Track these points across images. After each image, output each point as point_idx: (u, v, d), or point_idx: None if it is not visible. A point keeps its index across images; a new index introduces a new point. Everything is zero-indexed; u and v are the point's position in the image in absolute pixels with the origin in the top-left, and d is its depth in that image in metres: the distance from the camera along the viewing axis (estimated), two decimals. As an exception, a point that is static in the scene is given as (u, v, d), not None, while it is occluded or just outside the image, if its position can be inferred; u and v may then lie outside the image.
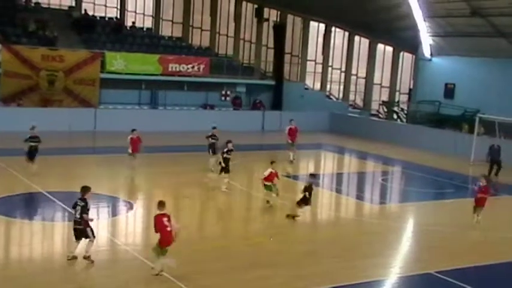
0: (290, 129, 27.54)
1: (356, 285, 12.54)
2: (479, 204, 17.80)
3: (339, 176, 27.34)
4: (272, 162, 19.00)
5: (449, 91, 36.51)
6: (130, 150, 22.38)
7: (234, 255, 14.20)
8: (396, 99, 41.65)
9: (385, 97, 42.24)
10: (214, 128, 24.02)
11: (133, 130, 22.78)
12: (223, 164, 20.53)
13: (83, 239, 12.88)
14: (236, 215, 18.79)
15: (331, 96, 45.35)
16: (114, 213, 17.88)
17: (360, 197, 22.13)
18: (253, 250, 14.67)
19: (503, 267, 14.51)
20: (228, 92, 41.43)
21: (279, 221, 18.06)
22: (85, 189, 13.12)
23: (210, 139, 23.52)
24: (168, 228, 12.26)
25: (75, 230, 12.95)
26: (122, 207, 18.44)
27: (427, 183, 25.17)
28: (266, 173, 18.67)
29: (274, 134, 34.41)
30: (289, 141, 27.36)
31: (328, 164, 30.96)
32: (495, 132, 29.28)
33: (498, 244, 16.28)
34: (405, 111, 40.50)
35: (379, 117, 41.48)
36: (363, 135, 35.82)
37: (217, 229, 17.17)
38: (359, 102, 44.24)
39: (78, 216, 12.83)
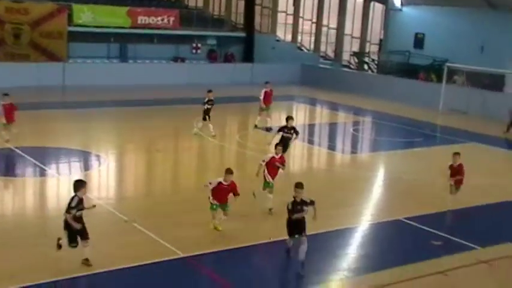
0: (266, 92, 24.37)
1: (329, 233, 12.80)
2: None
3: (311, 127, 27.51)
4: (277, 145, 14.88)
5: (419, 41, 36.65)
6: (4, 121, 18.76)
7: (207, 207, 14.28)
8: (367, 50, 41.69)
9: (356, 48, 42.23)
10: (209, 91, 21.97)
11: (5, 95, 19.02)
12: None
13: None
14: (210, 167, 18.87)
15: (303, 48, 45.17)
16: (86, 167, 17.81)
17: (331, 147, 22.38)
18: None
19: (469, 211, 14.92)
20: (199, 45, 40.99)
21: (253, 173, 18.20)
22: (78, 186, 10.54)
23: (206, 105, 21.51)
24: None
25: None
26: (94, 161, 18.38)
27: (397, 132, 25.52)
28: (268, 158, 14.23)
29: (246, 86, 34.36)
30: (263, 106, 24.24)
31: (300, 115, 31.07)
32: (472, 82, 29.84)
33: (465, 190, 16.66)
34: (376, 62, 40.65)
35: (350, 68, 41.56)
36: (334, 86, 35.91)
37: (192, 182, 17.26)
38: (330, 53, 44.17)
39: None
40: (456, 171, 14.72)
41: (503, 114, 27.31)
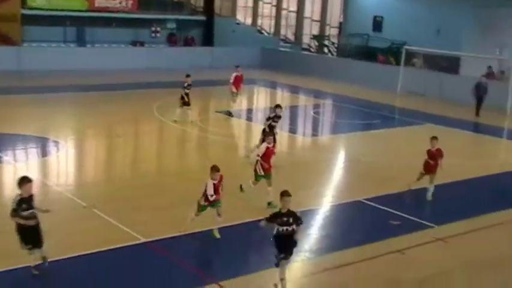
0: (236, 76, 23.43)
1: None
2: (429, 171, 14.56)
3: (272, 110, 27.54)
4: (268, 134, 14.36)
5: (378, 24, 37.03)
6: None
7: (170, 190, 14.31)
8: (327, 33, 41.92)
9: (316, 31, 42.43)
10: (188, 75, 21.76)
11: None
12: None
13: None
14: (171, 152, 18.80)
15: (263, 31, 45.16)
16: (43, 154, 17.54)
17: (292, 130, 22.50)
18: (189, 186, 14.77)
19: (426, 191, 15.21)
20: (158, 29, 40.57)
21: (215, 156, 18.22)
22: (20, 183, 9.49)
23: (185, 90, 21.45)
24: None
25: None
26: (51, 147, 18.09)
27: (356, 114, 25.80)
28: (263, 149, 13.24)
29: (207, 70, 34.21)
30: (234, 91, 23.27)
31: (260, 99, 31.16)
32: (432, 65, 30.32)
33: (418, 170, 16.99)
34: (335, 45, 40.91)
35: (310, 51, 41.76)
36: (295, 69, 36.04)
37: (152, 166, 17.18)
38: (290, 36, 44.27)
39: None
40: (434, 156, 14.43)
41: (459, 96, 27.94)
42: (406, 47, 31.61)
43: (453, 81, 29.86)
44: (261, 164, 13.03)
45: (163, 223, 12.06)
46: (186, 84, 21.50)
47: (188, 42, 41.31)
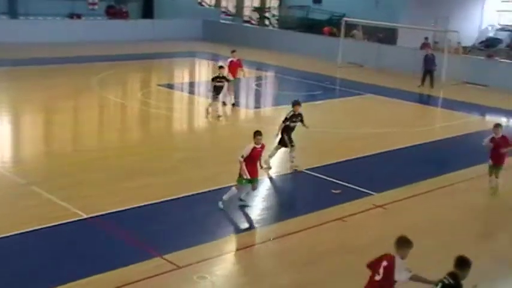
0: (231, 62, 21.25)
1: (232, 186, 12.99)
2: (498, 162, 13.32)
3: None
4: (256, 134, 11.97)
5: (318, -4, 37.24)
6: None
7: (112, 165, 14.15)
8: (267, 5, 41.86)
9: (256, 3, 42.30)
10: (221, 67, 19.56)
11: None
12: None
13: None
14: (112, 126, 18.54)
15: (203, 3, 44.70)
16: (-21, 131, 17.02)
17: (235, 102, 22.49)
18: (132, 160, 14.69)
19: (365, 160, 15.59)
20: (96, 1, 39.54)
21: (156, 130, 18.12)
22: None
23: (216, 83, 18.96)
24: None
25: None
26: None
27: (298, 86, 26.01)
28: (248, 150, 11.83)
29: (148, 43, 33.72)
30: (231, 78, 20.84)
31: (203, 71, 30.99)
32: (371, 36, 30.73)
33: (364, 139, 17.41)
34: (276, 17, 40.93)
35: (252, 24, 41.65)
36: (237, 42, 35.74)
37: (94, 141, 16.92)
38: (231, 8, 44.00)
39: None
40: (498, 145, 13.10)
41: (396, 66, 28.58)
42: (346, 18, 31.92)
43: (391, 52, 30.46)
44: (244, 167, 11.63)
45: (105, 198, 11.95)
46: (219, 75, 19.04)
47: (125, 15, 40.39)
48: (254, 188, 11.94)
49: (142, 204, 11.73)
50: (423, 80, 26.00)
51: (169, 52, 32.11)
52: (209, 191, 12.63)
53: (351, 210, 12.03)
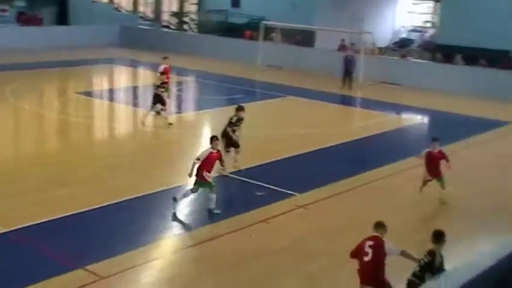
0: (165, 68, 20.57)
1: (156, 193, 12.93)
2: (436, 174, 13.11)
3: (134, 89, 27.20)
4: (213, 139, 12.20)
5: (236, 0, 37.47)
6: None
7: (29, 176, 13.75)
8: (186, 10, 41.77)
9: (175, 8, 42.14)
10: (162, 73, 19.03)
11: None
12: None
13: None
14: (28, 136, 17.99)
15: (120, 9, 44.09)
16: None
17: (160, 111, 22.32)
18: (50, 170, 14.32)
19: (288, 161, 15.84)
20: (6, 7, 38.20)
21: (76, 139, 17.74)
22: None
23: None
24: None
25: None
26: None
27: (219, 90, 26.08)
28: (205, 153, 11.90)
29: (63, 50, 32.91)
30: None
31: (122, 78, 30.55)
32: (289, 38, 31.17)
33: (285, 141, 17.67)
34: (195, 21, 40.91)
35: (171, 29, 41.44)
36: (156, 47, 35.49)
37: (9, 152, 16.36)
38: (149, 13, 43.62)
39: None
40: (435, 159, 12.91)
41: (315, 67, 29.17)
42: (264, 22, 32.30)
43: (309, 54, 31.09)
44: (205, 171, 11.72)
45: (24, 210, 11.60)
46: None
47: (39, 21, 39.23)
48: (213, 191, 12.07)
49: (63, 215, 11.46)
50: (344, 81, 26.67)
51: (87, 59, 31.46)
52: (131, 198, 12.50)
53: (274, 212, 12.20)
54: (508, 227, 11.26)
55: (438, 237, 7.91)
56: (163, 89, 18.49)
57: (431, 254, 7.85)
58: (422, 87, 26.58)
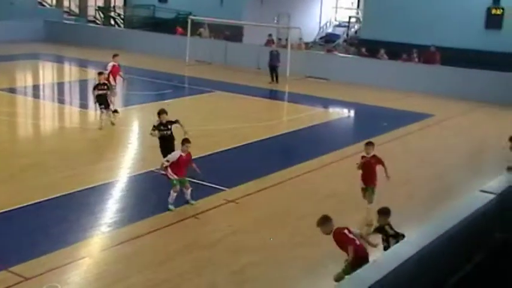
0: (114, 66, 19.99)
1: (85, 190, 12.71)
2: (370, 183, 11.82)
3: (60, 85, 26.57)
4: (184, 141, 11.99)
5: (164, -6, 37.20)
6: None
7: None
8: (112, 5, 41.05)
9: (100, 3, 41.34)
10: (100, 73, 18.20)
11: None
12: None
13: None
14: None
15: (44, 3, 42.85)
16: None
17: (82, 105, 21.90)
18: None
19: (217, 156, 15.91)
20: None
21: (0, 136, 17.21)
22: None
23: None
24: None
25: None
26: None
27: (147, 85, 25.83)
28: (175, 156, 11.99)
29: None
30: (113, 83, 19.75)
31: (47, 74, 29.73)
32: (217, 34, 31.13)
33: (214, 136, 17.71)
34: (122, 16, 40.28)
35: (97, 24, 40.63)
36: (82, 42, 34.83)
37: None
38: (74, 8, 42.62)
39: None
40: (369, 165, 11.68)
41: (243, 62, 29.33)
42: (191, 17, 32.15)
43: (237, 49, 31.20)
44: (170, 170, 11.84)
45: None
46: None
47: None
48: (187, 188, 12.14)
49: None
50: (272, 76, 26.92)
51: (9, 54, 30.43)
52: (56, 197, 12.24)
53: (203, 207, 12.23)
54: (423, 216, 11.71)
55: (385, 212, 8.88)
56: (103, 89, 17.69)
57: (380, 230, 8.84)
58: (349, 81, 27.17)
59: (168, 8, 36.27)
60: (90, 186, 13.04)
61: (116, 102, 20.91)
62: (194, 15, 32.55)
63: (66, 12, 42.04)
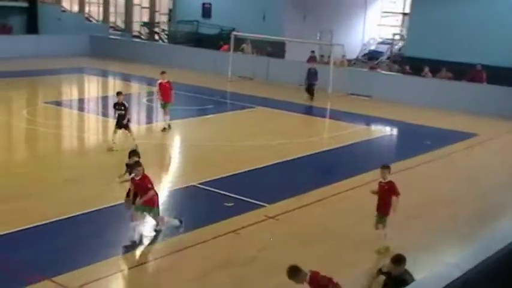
0: (160, 84, 19.87)
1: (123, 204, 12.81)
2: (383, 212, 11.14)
3: (104, 99, 27.00)
4: (134, 167, 11.32)
5: (207, 10, 37.61)
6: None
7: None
8: (157, 20, 41.69)
9: (146, 18, 42.03)
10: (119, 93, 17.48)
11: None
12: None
13: None
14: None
15: (91, 19, 43.83)
16: None
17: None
18: (14, 180, 14.11)
19: (257, 172, 15.88)
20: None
21: (43, 149, 17.53)
22: None
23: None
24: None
25: None
26: None
27: (189, 100, 26.03)
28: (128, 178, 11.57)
29: (31, 59, 32.54)
30: (162, 101, 19.87)
31: (92, 88, 30.31)
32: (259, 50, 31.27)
33: (255, 151, 17.71)
34: (166, 32, 40.86)
35: (141, 39, 41.31)
36: (126, 57, 35.46)
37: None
38: (120, 23, 43.44)
39: None
40: (384, 192, 10.98)
41: (285, 79, 29.31)
42: (235, 33, 32.39)
43: (279, 65, 31.25)
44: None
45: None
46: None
47: (6, 30, 38.68)
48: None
49: (25, 227, 11.30)
50: (308, 94, 26.79)
51: (56, 68, 31.18)
52: (97, 209, 12.37)
53: (243, 223, 12.19)
54: (467, 237, 11.44)
55: (398, 261, 8.00)
56: (121, 110, 16.97)
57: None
58: (392, 99, 26.90)
59: (211, 23, 36.64)
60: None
61: (159, 116, 21.16)
62: (237, 31, 32.77)
63: (112, 27, 42.88)
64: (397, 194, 10.84)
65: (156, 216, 11.31)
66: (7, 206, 12.26)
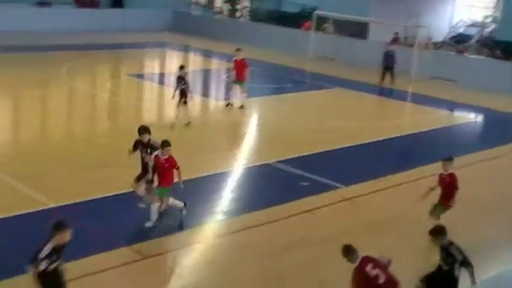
0: (236, 61, 19.70)
1: (200, 178, 12.89)
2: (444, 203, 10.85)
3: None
4: (164, 146, 10.39)
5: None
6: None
7: (78, 156, 13.99)
8: (239, -3, 41.67)
9: (228, -5, 42.05)
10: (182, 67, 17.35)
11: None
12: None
13: None
14: (80, 116, 18.30)
15: (175, -6, 44.28)
16: None
17: (205, 94, 22.45)
18: (99, 151, 14.54)
19: (335, 153, 15.67)
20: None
21: (125, 121, 17.95)
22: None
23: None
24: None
25: None
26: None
27: (268, 78, 25.97)
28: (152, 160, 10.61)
29: (117, 33, 33.33)
30: (235, 79, 19.80)
31: (173, 62, 30.72)
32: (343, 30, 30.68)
33: (332, 132, 17.49)
34: (248, 9, 40.79)
35: (223, 15, 41.45)
36: (208, 33, 35.70)
37: (61, 131, 16.70)
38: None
39: None
40: (445, 184, 10.71)
41: (367, 60, 28.61)
42: (317, 11, 31.93)
43: (362, 47, 30.58)
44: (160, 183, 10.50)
45: (70, 188, 11.82)
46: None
47: (94, 4, 39.73)
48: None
49: (110, 194, 11.61)
50: (383, 77, 25.69)
51: (139, 42, 31.83)
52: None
53: (319, 203, 12.08)
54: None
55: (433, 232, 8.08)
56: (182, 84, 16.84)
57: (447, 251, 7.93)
58: (479, 85, 25.74)
59: (293, 1, 36.28)
60: (207, 174, 13.26)
61: (236, 93, 21.16)
62: (320, 10, 32.29)
63: (194, 3, 43.23)
64: (456, 188, 10.59)
65: (166, 197, 10.57)
66: (91, 174, 12.61)
